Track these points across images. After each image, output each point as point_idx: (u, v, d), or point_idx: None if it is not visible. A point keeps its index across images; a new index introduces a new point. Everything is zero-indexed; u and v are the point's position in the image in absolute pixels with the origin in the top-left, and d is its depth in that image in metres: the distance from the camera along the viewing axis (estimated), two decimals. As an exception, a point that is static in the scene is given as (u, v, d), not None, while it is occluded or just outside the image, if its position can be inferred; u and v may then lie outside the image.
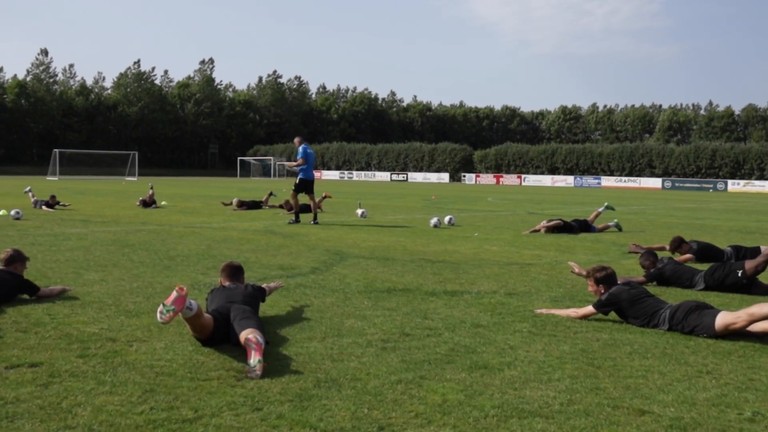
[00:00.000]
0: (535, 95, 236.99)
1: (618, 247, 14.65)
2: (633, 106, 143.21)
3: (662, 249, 12.95)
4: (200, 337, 5.86)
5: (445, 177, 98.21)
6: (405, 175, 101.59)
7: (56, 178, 70.47)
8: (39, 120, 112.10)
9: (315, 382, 4.99)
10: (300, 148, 19.21)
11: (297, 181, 19.13)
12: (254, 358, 5.16)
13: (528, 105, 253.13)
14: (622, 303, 7.22)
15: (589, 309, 7.39)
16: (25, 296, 7.69)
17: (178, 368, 5.24)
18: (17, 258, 7.88)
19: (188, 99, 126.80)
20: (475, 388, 4.98)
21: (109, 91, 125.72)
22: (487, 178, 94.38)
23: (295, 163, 19.28)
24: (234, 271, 7.16)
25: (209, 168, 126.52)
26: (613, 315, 7.41)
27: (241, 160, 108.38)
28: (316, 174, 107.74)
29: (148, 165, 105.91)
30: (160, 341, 6.02)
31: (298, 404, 4.53)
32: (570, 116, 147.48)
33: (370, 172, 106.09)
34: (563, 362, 5.71)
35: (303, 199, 19.65)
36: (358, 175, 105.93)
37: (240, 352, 5.64)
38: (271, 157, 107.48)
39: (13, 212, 18.56)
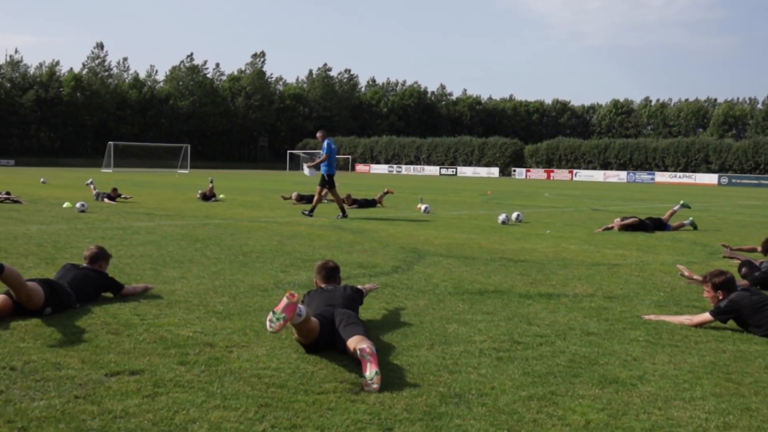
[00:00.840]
0: (586, 89, 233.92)
1: (701, 246, 14.03)
2: (687, 100, 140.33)
3: (753, 251, 12.31)
4: (305, 342, 5.49)
5: (495, 171, 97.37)
6: (454, 170, 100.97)
7: (111, 170, 71.26)
8: (94, 113, 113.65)
9: (440, 398, 4.58)
10: (324, 143, 19.04)
11: (325, 177, 18.91)
12: (371, 370, 4.76)
13: (579, 99, 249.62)
14: (743, 310, 6.69)
15: (706, 316, 6.87)
16: (108, 294, 7.40)
17: (287, 379, 4.87)
18: (102, 255, 7.61)
19: (239, 92, 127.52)
20: (615, 406, 4.54)
21: (162, 84, 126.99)
22: (538, 173, 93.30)
23: (320, 160, 19.09)
24: (331, 272, 6.78)
25: (258, 161, 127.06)
26: (730, 323, 6.88)
27: (290, 153, 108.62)
28: (365, 168, 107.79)
29: (199, 158, 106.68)
30: (260, 347, 5.66)
31: (429, 423, 4.13)
32: (622, 110, 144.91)
33: (419, 166, 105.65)
34: (698, 377, 5.23)
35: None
36: (407, 169, 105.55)
37: (347, 360, 5.27)
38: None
39: (78, 205, 18.48)
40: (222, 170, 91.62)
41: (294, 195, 24.69)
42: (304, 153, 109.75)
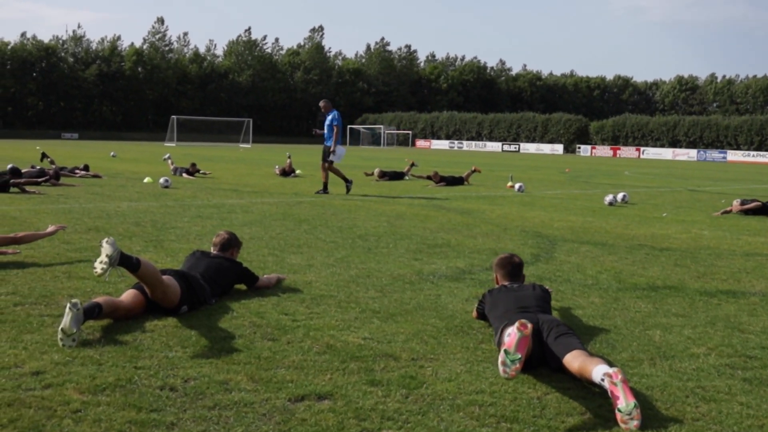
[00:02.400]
0: (649, 65, 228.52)
1: None
2: (755, 76, 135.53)
3: None
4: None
5: (558, 148, 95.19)
6: (517, 146, 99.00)
7: (174, 144, 71.18)
8: (155, 87, 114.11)
9: (730, 444, 3.53)
10: (335, 113, 17.60)
11: (327, 149, 17.64)
12: (627, 402, 3.69)
13: (641, 75, 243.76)
14: None
15: None
16: (240, 287, 6.49)
17: (517, 410, 3.86)
18: (234, 242, 6.70)
19: (298, 67, 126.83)
20: None
21: (221, 59, 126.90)
22: (604, 150, 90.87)
23: (336, 135, 17.50)
24: (517, 269, 5.74)
25: (317, 136, 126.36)
26: None
27: (350, 128, 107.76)
28: (425, 143, 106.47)
29: (258, 132, 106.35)
30: (453, 360, 4.68)
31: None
32: (686, 87, 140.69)
33: (480, 142, 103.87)
34: None
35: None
36: (468, 145, 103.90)
37: (569, 381, 4.25)
38: (381, 126, 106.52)
39: (162, 180, 17.75)
40: (282, 145, 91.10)
41: (376, 171, 23.73)
42: (364, 128, 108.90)
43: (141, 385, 3.99)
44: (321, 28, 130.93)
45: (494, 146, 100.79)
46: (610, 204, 16.61)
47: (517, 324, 4.02)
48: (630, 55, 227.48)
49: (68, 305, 4.58)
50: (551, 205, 16.20)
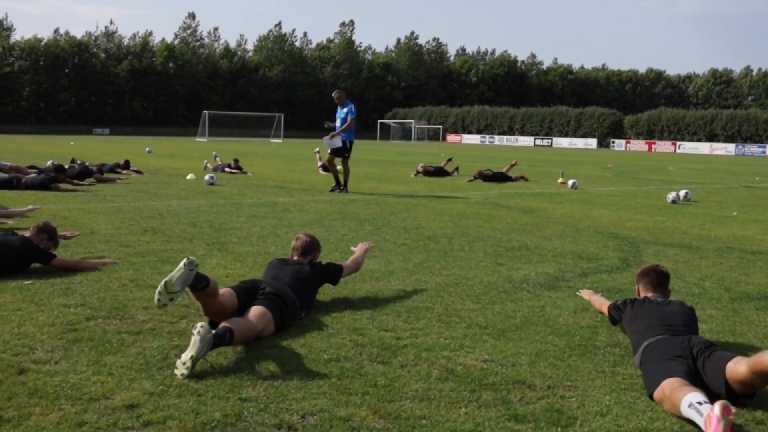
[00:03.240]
0: (681, 57, 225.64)
1: None
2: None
3: None
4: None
5: (592, 143, 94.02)
6: (549, 140, 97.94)
7: (206, 140, 70.94)
8: (185, 82, 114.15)
9: None
10: (351, 106, 16.41)
11: (348, 144, 16.36)
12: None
13: (674, 68, 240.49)
14: None
15: None
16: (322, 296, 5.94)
17: (701, 457, 3.25)
18: (315, 245, 6.17)
19: (327, 61, 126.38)
20: None
21: (251, 54, 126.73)
22: (638, 145, 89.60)
23: (347, 125, 16.26)
24: (662, 279, 5.19)
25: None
26: None
27: (380, 123, 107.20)
28: (456, 138, 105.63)
29: (288, 127, 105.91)
30: (594, 389, 4.09)
31: None
32: (721, 80, 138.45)
33: (512, 137, 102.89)
34: None
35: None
36: (499, 140, 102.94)
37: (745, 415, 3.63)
38: (412, 121, 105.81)
39: (207, 177, 17.27)
40: (313, 140, 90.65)
41: (420, 167, 23.10)
42: (394, 123, 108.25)
43: (254, 423, 3.44)
44: (352, 22, 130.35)
45: (526, 141, 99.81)
46: (673, 202, 15.92)
47: (719, 409, 3.30)
48: (662, 48, 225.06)
49: (184, 261, 4.28)
50: (612, 203, 15.52)
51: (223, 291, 4.91)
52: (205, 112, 78.10)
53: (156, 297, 4.33)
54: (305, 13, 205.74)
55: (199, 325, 4.18)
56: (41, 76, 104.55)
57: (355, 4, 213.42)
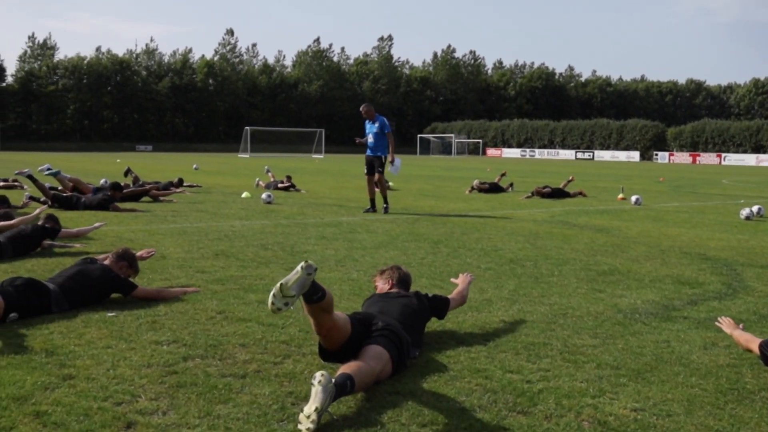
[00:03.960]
0: (722, 68, 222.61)
1: None
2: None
3: None
4: None
5: (635, 155, 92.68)
6: (591, 153, 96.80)
7: (248, 156, 71.12)
8: (225, 98, 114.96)
9: None
10: (383, 120, 15.25)
11: (377, 160, 15.21)
12: None
13: (714, 78, 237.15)
14: None
15: None
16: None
17: None
18: (410, 277, 5.77)
19: (366, 76, 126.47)
20: None
21: (289, 70, 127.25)
22: (682, 157, 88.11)
23: (392, 145, 15.17)
24: None
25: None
26: None
27: (420, 137, 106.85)
28: (496, 152, 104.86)
29: (327, 142, 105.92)
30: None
31: None
32: (763, 89, 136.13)
33: (553, 150, 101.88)
34: None
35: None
36: (540, 153, 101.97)
37: None
38: (452, 135, 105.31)
39: (264, 196, 16.95)
40: (354, 155, 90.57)
41: (476, 183, 22.60)
42: (434, 137, 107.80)
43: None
44: (390, 37, 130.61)
45: (567, 154, 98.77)
46: (747, 218, 15.28)
47: None
48: (701, 58, 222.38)
49: (302, 264, 4.00)
50: (683, 221, 14.89)
51: (338, 313, 4.49)
52: (246, 128, 78.38)
53: (270, 300, 4.00)
54: (343, 29, 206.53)
55: (318, 374, 3.77)
56: (85, 94, 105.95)
57: (392, 19, 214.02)
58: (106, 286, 6.20)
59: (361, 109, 15.45)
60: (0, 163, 39.39)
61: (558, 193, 20.66)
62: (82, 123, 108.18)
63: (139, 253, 7.24)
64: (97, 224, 9.69)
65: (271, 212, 14.73)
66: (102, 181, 20.30)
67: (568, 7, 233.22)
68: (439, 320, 5.66)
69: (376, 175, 15.23)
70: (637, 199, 18.74)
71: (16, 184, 20.23)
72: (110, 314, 5.81)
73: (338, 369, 4.17)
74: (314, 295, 4.15)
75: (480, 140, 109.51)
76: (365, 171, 15.43)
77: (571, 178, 23.12)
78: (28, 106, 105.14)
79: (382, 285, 5.68)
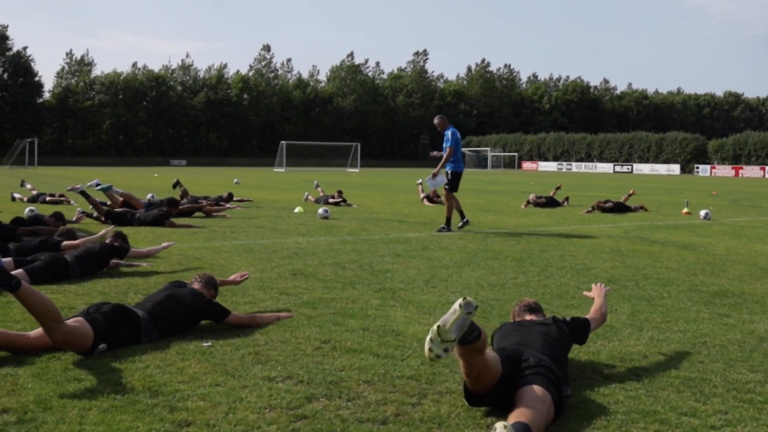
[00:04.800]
0: (758, 80, 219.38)
1: None
2: None
3: None
4: None
5: (675, 168, 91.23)
6: (630, 167, 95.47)
7: (283, 170, 70.86)
8: (260, 113, 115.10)
9: None
10: (448, 132, 14.19)
11: (449, 176, 14.16)
12: None
13: (752, 90, 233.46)
14: None
15: None
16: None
17: None
18: (540, 306, 5.17)
19: (400, 90, 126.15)
20: None
21: (323, 84, 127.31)
22: (724, 170, 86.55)
23: (446, 156, 14.04)
24: None
25: (419, 159, 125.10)
26: None
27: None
28: (532, 165, 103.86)
29: (361, 156, 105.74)
30: None
31: None
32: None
33: (590, 163, 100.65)
34: None
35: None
36: (577, 166, 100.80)
37: None
38: (487, 148, 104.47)
39: (321, 211, 16.39)
40: (388, 168, 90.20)
41: (531, 197, 21.91)
42: (470, 151, 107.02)
43: None
44: (425, 52, 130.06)
45: (605, 167, 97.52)
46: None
47: None
48: (737, 71, 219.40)
49: (460, 302, 3.52)
50: (763, 237, 14.09)
51: (488, 351, 3.88)
52: (282, 142, 78.13)
53: (427, 347, 3.49)
54: (377, 43, 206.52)
55: (500, 425, 3.15)
56: (120, 109, 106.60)
57: (425, 34, 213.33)
58: (198, 313, 5.64)
59: (434, 121, 14.76)
60: (39, 178, 39.33)
61: (619, 208, 19.92)
62: (117, 138, 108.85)
63: (232, 277, 6.72)
64: (165, 244, 9.17)
65: (332, 228, 14.16)
66: (149, 195, 19.85)
67: (602, 20, 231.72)
68: (580, 346, 5.02)
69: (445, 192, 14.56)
70: (707, 214, 17.93)
71: (62, 199, 19.87)
72: (205, 344, 5.24)
73: (488, 412, 3.54)
74: (470, 336, 3.56)
75: (515, 153, 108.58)
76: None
77: (631, 192, 22.35)
78: (64, 121, 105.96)
79: (520, 314, 5.07)
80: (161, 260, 9.33)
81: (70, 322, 4.85)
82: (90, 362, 4.76)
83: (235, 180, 38.53)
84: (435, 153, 15.16)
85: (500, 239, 12.69)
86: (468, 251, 10.93)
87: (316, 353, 5.07)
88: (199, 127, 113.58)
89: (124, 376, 4.48)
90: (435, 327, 3.43)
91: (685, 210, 19.83)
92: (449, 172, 14.24)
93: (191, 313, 5.58)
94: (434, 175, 14.34)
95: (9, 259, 7.82)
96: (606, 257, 10.53)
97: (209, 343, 5.25)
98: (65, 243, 8.92)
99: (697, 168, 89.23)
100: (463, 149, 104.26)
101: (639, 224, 16.26)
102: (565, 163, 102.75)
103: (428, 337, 3.45)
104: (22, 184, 23.87)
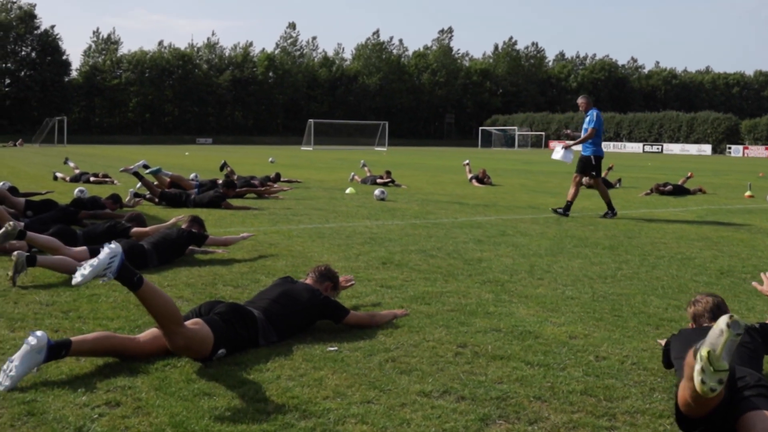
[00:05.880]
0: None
1: None
2: None
3: None
4: None
5: (706, 149, 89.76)
6: (660, 146, 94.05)
7: (311, 148, 70.33)
8: (285, 91, 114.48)
9: None
10: (593, 114, 13.55)
11: (592, 160, 13.43)
12: None
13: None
14: None
15: None
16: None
17: None
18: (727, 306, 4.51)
19: (425, 69, 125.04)
20: None
21: (349, 62, 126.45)
22: (757, 151, 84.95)
23: (585, 136, 13.37)
24: None
25: (445, 138, 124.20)
26: None
27: (482, 129, 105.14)
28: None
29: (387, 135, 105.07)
30: None
31: None
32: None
33: (619, 143, 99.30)
34: None
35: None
36: (605, 146, 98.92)
37: None
38: (515, 128, 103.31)
39: (377, 192, 15.82)
40: (414, 147, 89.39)
41: (585, 179, 21.13)
42: (496, 130, 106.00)
43: None
44: (450, 30, 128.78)
45: (635, 147, 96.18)
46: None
47: None
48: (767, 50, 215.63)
49: (726, 320, 2.98)
50: None
51: None
52: (310, 121, 77.54)
53: (698, 379, 2.94)
54: (402, 21, 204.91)
55: None
56: (147, 87, 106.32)
57: (451, 11, 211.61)
58: (315, 311, 5.07)
59: (577, 101, 14.06)
60: (72, 156, 38.98)
61: (678, 190, 19.25)
62: (143, 116, 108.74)
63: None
64: (245, 234, 8.58)
65: (394, 211, 13.57)
66: (192, 175, 19.37)
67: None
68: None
69: (587, 179, 14.20)
70: (774, 198, 17.19)
71: (107, 179, 19.40)
72: (331, 349, 4.68)
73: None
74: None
75: (543, 133, 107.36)
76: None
77: (690, 174, 21.62)
78: (91, 99, 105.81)
79: (698, 320, 4.46)
80: (234, 246, 8.77)
81: (189, 324, 4.30)
82: (212, 371, 4.21)
83: (270, 159, 38.03)
84: (569, 131, 14.92)
85: (575, 224, 12.06)
86: (550, 237, 10.31)
87: (459, 360, 4.50)
88: (224, 106, 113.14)
89: (259, 389, 3.92)
90: (704, 353, 2.85)
91: (748, 193, 19.09)
92: (592, 157, 13.46)
93: (308, 312, 5.02)
94: (566, 148, 13.89)
95: (84, 248, 7.31)
96: (699, 245, 9.88)
97: (335, 348, 4.70)
98: (135, 229, 8.38)
99: (729, 148, 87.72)
100: (489, 128, 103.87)
101: (707, 208, 15.58)
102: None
103: (697, 366, 2.87)
104: (66, 162, 23.32)
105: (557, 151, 14.04)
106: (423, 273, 7.33)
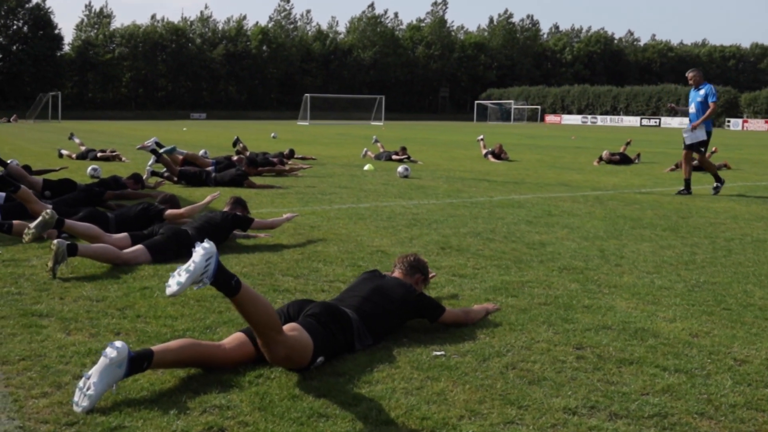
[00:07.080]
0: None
1: None
2: None
3: None
4: None
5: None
6: (657, 120, 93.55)
7: (307, 123, 69.57)
8: (279, 65, 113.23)
9: None
10: (710, 87, 13.31)
11: (707, 137, 13.44)
12: None
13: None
14: None
15: None
16: None
17: None
18: None
19: (419, 42, 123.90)
20: None
21: (343, 36, 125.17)
22: (757, 124, 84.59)
23: (709, 112, 13.18)
24: None
25: (440, 112, 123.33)
26: None
27: (477, 103, 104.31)
28: (555, 118, 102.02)
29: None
30: None
31: None
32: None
33: (616, 117, 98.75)
34: None
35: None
36: (602, 120, 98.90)
37: None
38: (511, 101, 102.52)
39: (401, 169, 15.26)
40: (410, 122, 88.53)
41: (605, 154, 20.69)
42: (492, 103, 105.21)
43: None
44: (444, 1, 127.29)
45: (632, 121, 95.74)
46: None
47: None
48: (764, 22, 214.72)
49: None
50: None
51: None
52: (306, 95, 76.65)
53: None
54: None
55: None
56: (140, 62, 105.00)
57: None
58: (410, 309, 4.54)
59: (687, 74, 13.73)
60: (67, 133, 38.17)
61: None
62: (137, 91, 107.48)
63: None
64: (289, 215, 7.99)
65: (425, 189, 13.02)
66: (201, 152, 18.77)
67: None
68: None
69: (697, 155, 13.65)
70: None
71: (114, 154, 18.78)
72: (437, 353, 4.16)
73: None
74: None
75: (539, 106, 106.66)
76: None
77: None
78: (84, 74, 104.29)
79: None
80: (275, 230, 8.20)
81: (286, 329, 3.76)
82: (314, 383, 3.67)
83: (272, 134, 37.34)
84: (673, 105, 15.00)
85: (618, 203, 11.53)
86: (600, 217, 9.81)
87: (586, 366, 3.98)
88: (218, 80, 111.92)
89: (380, 408, 3.37)
90: None
91: (776, 168, 18.62)
92: (706, 132, 13.36)
93: (402, 311, 4.49)
94: (694, 128, 13.39)
95: (125, 234, 6.76)
96: (759, 225, 9.41)
97: (442, 352, 4.17)
98: (169, 212, 7.82)
99: (728, 122, 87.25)
100: (485, 102, 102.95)
101: (741, 185, 15.22)
102: (590, 117, 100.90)
103: None
104: (71, 137, 22.53)
105: (689, 135, 13.44)
106: (490, 259, 6.81)
